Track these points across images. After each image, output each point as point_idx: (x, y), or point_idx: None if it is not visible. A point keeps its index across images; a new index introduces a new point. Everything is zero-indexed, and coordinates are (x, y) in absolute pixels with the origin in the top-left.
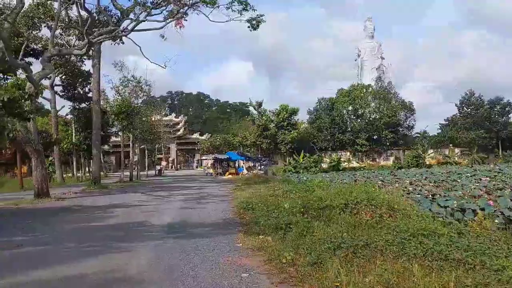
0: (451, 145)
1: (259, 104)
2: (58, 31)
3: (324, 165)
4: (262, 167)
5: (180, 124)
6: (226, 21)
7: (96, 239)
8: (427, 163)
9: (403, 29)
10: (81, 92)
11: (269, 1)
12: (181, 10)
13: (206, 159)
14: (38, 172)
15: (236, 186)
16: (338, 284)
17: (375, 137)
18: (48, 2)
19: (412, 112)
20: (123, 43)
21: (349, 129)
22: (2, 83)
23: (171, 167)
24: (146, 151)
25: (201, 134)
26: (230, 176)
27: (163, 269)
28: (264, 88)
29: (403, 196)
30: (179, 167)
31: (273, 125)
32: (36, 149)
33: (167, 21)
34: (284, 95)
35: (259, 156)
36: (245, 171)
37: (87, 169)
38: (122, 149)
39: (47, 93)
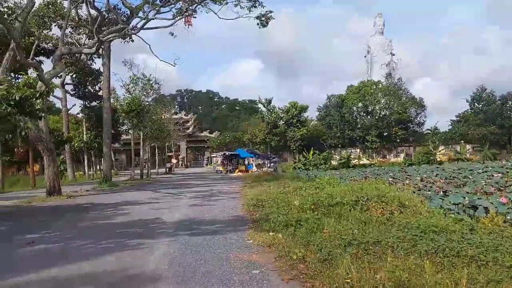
0: (462, 141)
1: (268, 102)
2: (68, 30)
3: (334, 162)
4: (272, 164)
5: (190, 122)
6: (235, 18)
7: (108, 236)
8: (438, 159)
9: (414, 26)
10: (92, 91)
11: None
12: (190, 8)
13: (215, 156)
14: (50, 170)
15: (245, 183)
16: (348, 280)
17: (385, 133)
18: (58, 1)
19: (422, 109)
20: (132, 41)
21: (359, 126)
22: (14, 82)
23: (181, 165)
24: (156, 149)
25: (210, 132)
26: (239, 173)
27: (175, 265)
28: (273, 85)
29: (413, 192)
30: (189, 165)
31: (283, 122)
32: (48, 147)
33: (176, 18)
34: (293, 92)
35: (269, 153)
36: (254, 169)
37: (98, 167)
38: (133, 147)
39: (58, 92)
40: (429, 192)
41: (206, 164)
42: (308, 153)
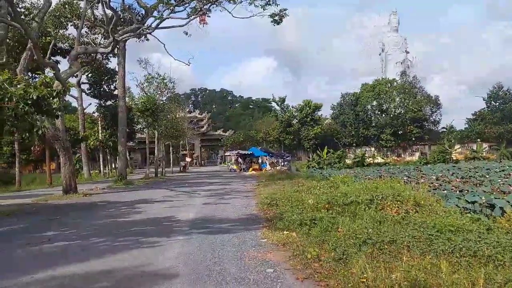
0: (479, 140)
1: (282, 100)
2: (84, 30)
3: (348, 161)
4: (285, 163)
5: (204, 120)
6: (249, 17)
7: (124, 234)
8: (454, 158)
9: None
10: (107, 90)
11: None
12: (204, 7)
13: (229, 155)
14: (66, 169)
15: (259, 182)
16: (364, 280)
17: (400, 132)
18: (74, 1)
19: (438, 107)
20: (147, 40)
21: (373, 124)
22: (31, 82)
23: (195, 163)
24: (170, 148)
25: (224, 131)
26: (253, 172)
27: (191, 263)
28: (287, 83)
29: (429, 191)
30: (203, 163)
31: (296, 121)
32: (64, 146)
33: (191, 18)
34: (307, 90)
35: (282, 152)
36: (268, 167)
37: (113, 165)
38: (147, 145)
39: (74, 91)
40: (445, 191)
41: (220, 163)
42: (322, 151)
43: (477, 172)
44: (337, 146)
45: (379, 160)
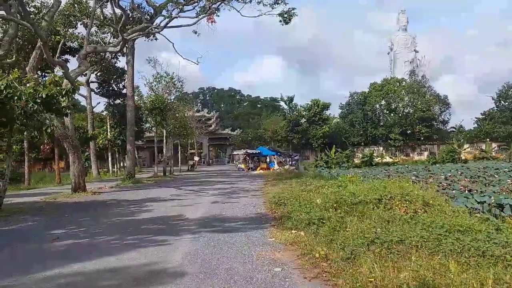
0: (488, 139)
1: (290, 99)
2: (93, 29)
3: (357, 160)
4: (293, 162)
5: (212, 119)
6: (258, 16)
7: (134, 232)
8: (463, 158)
9: (439, 20)
10: (116, 89)
11: None
12: (213, 6)
13: (237, 154)
14: (75, 167)
15: (267, 181)
16: (372, 279)
17: (408, 131)
18: (84, 0)
19: (447, 106)
20: (156, 39)
21: (382, 123)
22: (40, 80)
23: (203, 162)
24: (179, 147)
25: (232, 130)
26: (261, 171)
27: (199, 262)
28: (295, 82)
29: (438, 191)
30: (211, 162)
31: (304, 120)
32: (73, 144)
33: (199, 17)
34: (315, 89)
35: (290, 151)
36: (276, 166)
37: (121, 164)
38: (156, 144)
39: (83, 90)
40: (454, 191)
41: (228, 162)
42: (330, 151)
43: (486, 172)
44: (346, 145)
45: (388, 159)
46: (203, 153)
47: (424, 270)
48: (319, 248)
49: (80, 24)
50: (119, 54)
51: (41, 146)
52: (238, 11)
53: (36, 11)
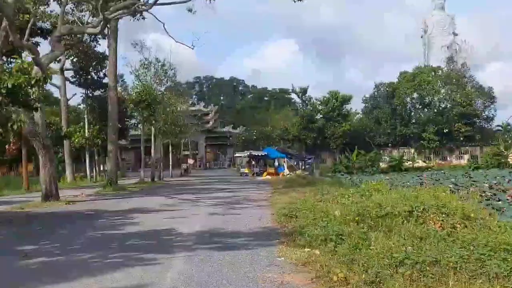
0: None
1: (304, 91)
2: (68, 6)
3: (383, 165)
4: (307, 166)
5: (210, 115)
6: None
7: (117, 249)
8: (511, 162)
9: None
10: (95, 78)
11: None
12: None
13: (240, 156)
14: (46, 171)
15: (275, 188)
16: None
17: (445, 130)
18: None
19: (492, 100)
20: (144, 18)
21: (413, 120)
22: (5, 67)
23: (199, 166)
24: (170, 147)
25: (234, 127)
26: (268, 176)
27: (193, 285)
28: (309, 71)
29: (480, 202)
30: (209, 166)
31: (321, 116)
32: (44, 144)
33: None
34: (334, 79)
35: (303, 153)
36: (286, 171)
37: (101, 167)
38: (143, 144)
39: (56, 79)
40: (500, 202)
41: (229, 165)
42: (352, 153)
43: None
44: (370, 146)
45: (420, 163)
46: (199, 155)
47: None
48: (337, 270)
49: (54, 1)
50: (100, 36)
51: (6, 146)
52: None
53: None
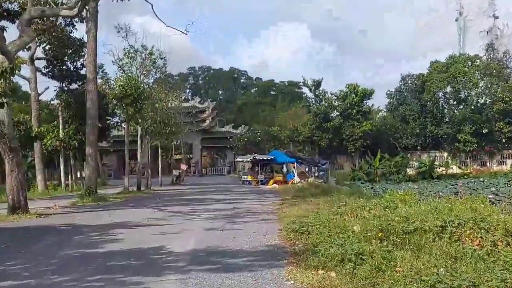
0: None
1: (317, 84)
2: None
3: (411, 171)
4: (321, 173)
5: (207, 112)
6: None
7: (97, 271)
8: None
9: None
10: (72, 68)
11: None
12: None
13: (242, 161)
14: (13, 178)
15: (284, 199)
16: None
17: (485, 130)
18: None
19: None
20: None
21: (446, 119)
22: None
23: (194, 172)
24: (159, 151)
25: (235, 127)
26: (275, 185)
27: None
28: (324, 61)
29: None
30: (205, 172)
31: (337, 113)
32: (10, 146)
33: None
34: (352, 71)
35: (317, 157)
36: (296, 179)
37: (79, 174)
38: (127, 147)
39: (25, 70)
40: None
41: (229, 172)
42: (374, 157)
43: None
44: (395, 149)
45: (455, 170)
46: (194, 160)
47: None
48: None
49: None
50: (77, 19)
51: None
52: None
53: None
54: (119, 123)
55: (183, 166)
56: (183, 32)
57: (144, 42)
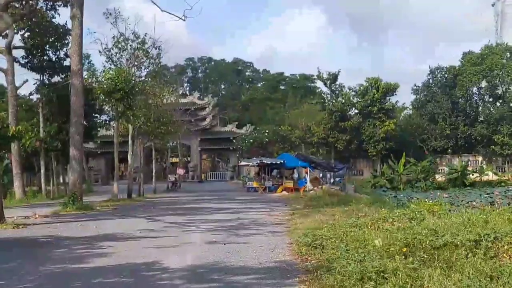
0: None
1: (333, 78)
2: None
3: (440, 178)
4: (337, 179)
5: (207, 109)
6: None
7: None
8: None
9: None
10: (54, 59)
11: None
12: None
13: (247, 165)
14: None
15: (295, 209)
16: None
17: None
18: None
19: None
20: None
21: (481, 118)
22: None
23: (192, 178)
24: (153, 153)
25: (239, 126)
26: (285, 192)
27: None
28: (341, 52)
29: None
30: (205, 178)
31: (356, 111)
32: None
33: None
34: (373, 62)
35: (332, 161)
36: (309, 185)
37: (61, 179)
38: (117, 148)
39: (1, 60)
40: None
41: (232, 177)
42: (397, 162)
43: None
44: (422, 153)
45: (491, 176)
46: (192, 164)
47: None
48: None
49: None
50: (60, 3)
51: None
52: None
53: None
54: (107, 122)
55: (180, 171)
56: (180, 18)
57: (136, 29)
